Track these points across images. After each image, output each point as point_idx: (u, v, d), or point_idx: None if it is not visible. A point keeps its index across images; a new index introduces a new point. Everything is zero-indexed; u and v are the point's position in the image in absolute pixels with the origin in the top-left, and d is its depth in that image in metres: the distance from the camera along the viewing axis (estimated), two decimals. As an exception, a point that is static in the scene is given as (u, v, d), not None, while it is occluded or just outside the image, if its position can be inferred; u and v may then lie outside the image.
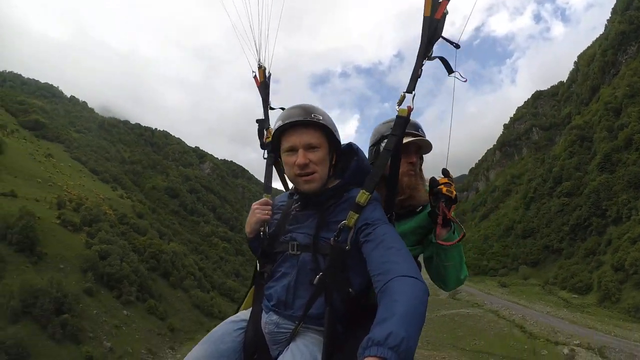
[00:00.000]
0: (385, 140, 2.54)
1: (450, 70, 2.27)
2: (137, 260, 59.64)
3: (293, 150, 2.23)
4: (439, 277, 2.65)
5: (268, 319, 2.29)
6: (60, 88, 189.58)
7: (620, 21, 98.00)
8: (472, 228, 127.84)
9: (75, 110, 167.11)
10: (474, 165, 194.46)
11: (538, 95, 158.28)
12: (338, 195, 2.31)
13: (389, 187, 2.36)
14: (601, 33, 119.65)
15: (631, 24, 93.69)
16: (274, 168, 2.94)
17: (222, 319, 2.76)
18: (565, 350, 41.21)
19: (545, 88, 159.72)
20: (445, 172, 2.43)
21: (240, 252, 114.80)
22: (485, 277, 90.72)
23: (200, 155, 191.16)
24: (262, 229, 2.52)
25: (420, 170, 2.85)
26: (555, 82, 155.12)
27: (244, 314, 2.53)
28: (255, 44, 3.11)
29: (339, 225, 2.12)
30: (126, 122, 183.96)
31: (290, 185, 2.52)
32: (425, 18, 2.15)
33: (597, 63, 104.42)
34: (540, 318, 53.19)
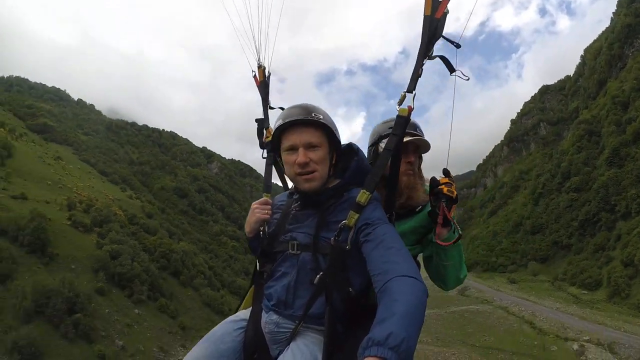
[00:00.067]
0: (384, 140, 2.67)
1: (451, 69, 2.26)
2: (147, 259, 59.96)
3: (293, 149, 2.23)
4: (438, 277, 2.66)
5: (268, 319, 2.29)
6: (67, 91, 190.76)
7: (626, 14, 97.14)
8: (480, 224, 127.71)
9: (83, 113, 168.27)
10: (481, 162, 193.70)
11: (545, 90, 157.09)
12: (338, 195, 2.31)
13: (389, 187, 2.37)
14: (607, 26, 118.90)
15: (637, 17, 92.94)
16: (273, 167, 2.95)
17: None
18: (575, 346, 41.16)
19: (552, 82, 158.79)
20: (445, 172, 2.40)
21: (249, 251, 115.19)
22: (494, 274, 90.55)
23: (207, 155, 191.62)
24: (261, 228, 2.53)
25: (419, 169, 2.86)
26: (562, 76, 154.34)
27: (244, 313, 2.53)
28: (255, 44, 3.12)
29: (339, 225, 2.12)
30: (134, 124, 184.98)
31: (290, 184, 2.53)
32: (425, 17, 2.16)
33: (604, 56, 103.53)
34: (550, 314, 53.08)
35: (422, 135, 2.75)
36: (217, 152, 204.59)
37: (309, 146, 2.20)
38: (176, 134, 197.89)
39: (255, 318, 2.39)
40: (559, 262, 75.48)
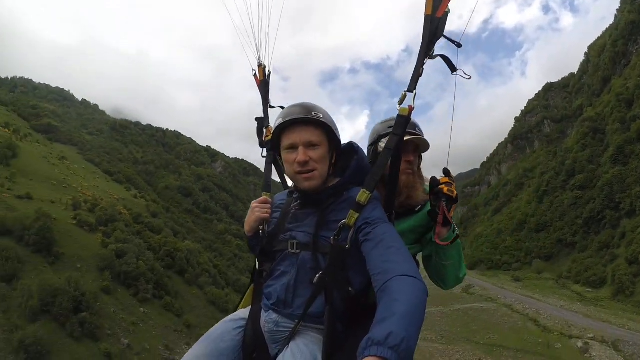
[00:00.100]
0: (383, 140, 2.72)
1: (453, 69, 2.27)
2: (152, 258, 60.07)
3: (293, 147, 2.24)
4: (438, 276, 2.67)
5: (267, 318, 2.29)
6: (71, 92, 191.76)
7: (630, 10, 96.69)
8: (484, 222, 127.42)
9: (87, 113, 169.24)
10: (485, 160, 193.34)
11: (549, 87, 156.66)
12: (338, 194, 2.32)
13: (389, 186, 2.39)
14: (611, 23, 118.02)
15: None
16: (273, 166, 2.96)
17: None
18: (579, 344, 41.16)
19: (556, 80, 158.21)
20: (446, 172, 2.40)
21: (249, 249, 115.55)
22: (498, 272, 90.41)
23: (212, 154, 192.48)
24: (261, 227, 2.53)
25: (419, 169, 2.86)
26: (566, 74, 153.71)
27: (243, 312, 2.53)
28: (255, 42, 3.12)
29: (339, 224, 2.12)
30: (137, 124, 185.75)
31: (290, 183, 2.54)
32: (426, 17, 2.16)
33: (608, 54, 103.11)
34: (554, 312, 53.04)
35: (421, 134, 2.75)
36: (221, 151, 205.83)
37: (309, 145, 2.21)
38: (180, 133, 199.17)
39: (254, 317, 2.40)
40: (564, 260, 75.29)
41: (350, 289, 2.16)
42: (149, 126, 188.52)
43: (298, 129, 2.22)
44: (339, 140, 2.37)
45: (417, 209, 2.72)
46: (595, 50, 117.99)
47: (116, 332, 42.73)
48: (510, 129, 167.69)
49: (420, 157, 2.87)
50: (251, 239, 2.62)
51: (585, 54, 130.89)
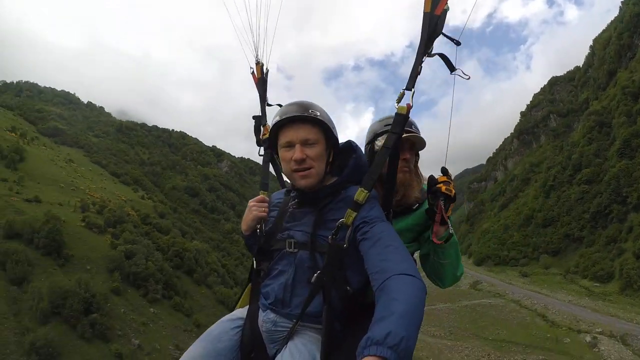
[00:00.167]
0: (380, 138, 2.75)
1: (452, 68, 2.25)
2: (161, 258, 60.35)
3: (290, 145, 2.24)
4: (435, 275, 2.66)
5: (265, 317, 2.28)
6: (76, 95, 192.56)
7: (635, 3, 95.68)
8: (491, 218, 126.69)
9: (93, 115, 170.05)
10: (491, 155, 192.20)
11: (554, 81, 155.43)
12: (336, 193, 2.31)
13: (387, 185, 2.37)
14: (616, 15, 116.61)
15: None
16: (270, 165, 2.94)
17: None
18: (588, 338, 41.24)
19: (562, 74, 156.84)
20: (444, 171, 2.41)
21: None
22: (506, 267, 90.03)
23: (217, 154, 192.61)
24: (258, 226, 2.52)
25: (416, 167, 2.85)
26: (572, 67, 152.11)
27: (241, 312, 2.52)
28: (253, 40, 3.11)
29: (336, 224, 2.11)
30: (143, 125, 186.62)
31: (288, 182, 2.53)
32: (425, 14, 2.14)
33: (613, 46, 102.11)
34: (562, 307, 53.01)
35: (417, 132, 2.74)
36: (227, 151, 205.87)
37: (306, 143, 2.22)
38: (186, 133, 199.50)
39: (252, 317, 2.40)
40: (571, 255, 74.90)
41: (348, 288, 2.16)
42: (155, 127, 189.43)
43: (295, 127, 2.23)
44: (337, 139, 2.38)
45: (414, 208, 2.72)
46: (601, 43, 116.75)
47: (127, 333, 43.05)
48: (515, 123, 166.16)
49: (418, 155, 2.88)
50: (248, 238, 2.62)
51: (591, 47, 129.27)
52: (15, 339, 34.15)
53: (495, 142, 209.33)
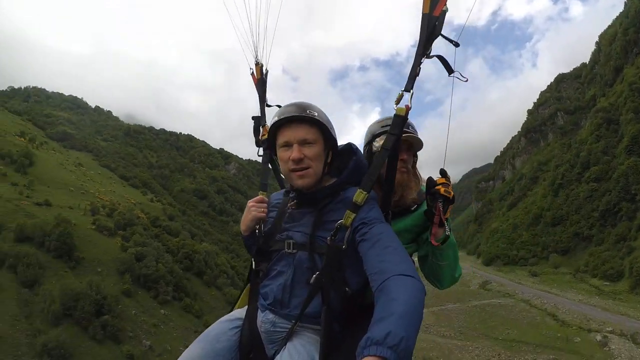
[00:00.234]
0: (377, 139, 2.75)
1: (450, 70, 2.21)
2: (171, 260, 60.67)
3: (288, 145, 2.24)
4: (433, 276, 2.66)
5: (264, 318, 2.26)
6: (84, 99, 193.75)
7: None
8: (500, 217, 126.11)
9: (101, 119, 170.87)
10: (499, 154, 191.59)
11: (561, 79, 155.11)
12: (335, 194, 2.30)
13: (385, 186, 2.35)
14: (621, 11, 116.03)
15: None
16: (270, 166, 2.94)
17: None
18: (598, 337, 41.03)
19: (568, 70, 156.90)
20: (442, 172, 2.40)
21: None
22: (515, 267, 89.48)
23: (225, 156, 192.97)
24: (257, 226, 2.50)
25: (414, 168, 2.83)
26: (578, 64, 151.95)
27: (239, 312, 2.51)
28: (252, 41, 3.10)
29: (335, 225, 2.09)
30: (151, 129, 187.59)
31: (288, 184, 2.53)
32: (423, 15, 2.12)
33: (619, 42, 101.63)
34: (572, 306, 52.73)
35: (415, 133, 2.72)
36: (234, 153, 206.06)
37: (304, 142, 2.21)
38: (193, 136, 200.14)
39: (251, 317, 2.39)
40: (580, 253, 74.42)
41: (347, 289, 2.14)
42: (163, 130, 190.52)
43: (293, 127, 2.23)
44: (335, 140, 2.36)
45: (412, 209, 2.71)
46: (606, 39, 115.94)
47: (138, 334, 43.43)
48: (523, 121, 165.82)
49: (416, 156, 2.86)
50: (247, 239, 2.60)
51: (596, 43, 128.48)
52: (27, 341, 34.52)
53: (502, 141, 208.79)
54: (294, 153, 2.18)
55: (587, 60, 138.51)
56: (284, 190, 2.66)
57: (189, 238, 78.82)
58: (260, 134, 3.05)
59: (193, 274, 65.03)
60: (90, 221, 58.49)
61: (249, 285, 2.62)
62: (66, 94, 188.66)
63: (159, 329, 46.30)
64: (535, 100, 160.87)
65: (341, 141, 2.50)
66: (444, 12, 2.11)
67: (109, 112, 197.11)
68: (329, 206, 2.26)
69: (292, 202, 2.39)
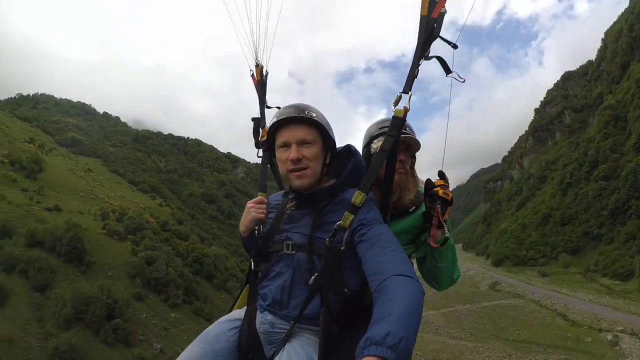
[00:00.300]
0: (375, 141, 2.75)
1: (447, 71, 2.23)
2: (181, 264, 60.81)
3: (286, 145, 2.25)
4: (432, 277, 2.66)
5: (263, 319, 2.27)
6: (92, 105, 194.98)
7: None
8: (509, 218, 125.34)
9: (109, 125, 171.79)
10: (507, 153, 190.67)
11: (567, 76, 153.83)
12: (333, 195, 2.31)
13: (384, 187, 2.36)
14: (626, 7, 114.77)
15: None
16: (269, 168, 2.98)
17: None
18: (609, 337, 40.86)
19: (574, 68, 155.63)
20: (441, 174, 2.40)
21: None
22: (524, 267, 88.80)
23: (233, 160, 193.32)
24: (256, 227, 2.51)
25: (412, 169, 2.84)
26: (584, 61, 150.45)
27: (238, 313, 2.51)
28: (252, 43, 3.12)
29: (334, 226, 2.10)
30: (159, 134, 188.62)
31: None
32: (422, 17, 2.15)
33: (625, 39, 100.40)
34: (583, 306, 52.48)
35: (412, 134, 2.72)
36: (242, 157, 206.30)
37: (302, 143, 2.23)
38: (201, 141, 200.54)
39: (250, 318, 2.40)
40: (590, 253, 73.77)
41: (345, 290, 2.15)
42: (170, 135, 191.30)
43: (291, 128, 2.25)
44: (333, 141, 2.37)
45: (411, 210, 2.72)
46: (612, 36, 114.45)
47: (148, 337, 43.62)
48: (530, 120, 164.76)
49: (414, 158, 2.87)
50: (246, 240, 2.62)
51: (602, 40, 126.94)
52: (39, 344, 34.59)
53: (510, 141, 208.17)
54: (292, 153, 2.20)
55: (593, 57, 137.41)
56: (283, 191, 2.69)
57: (199, 242, 78.95)
58: (260, 135, 3.09)
59: (203, 277, 65.20)
60: (100, 226, 58.83)
61: (247, 286, 2.65)
62: (74, 101, 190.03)
63: (169, 332, 46.44)
64: (542, 99, 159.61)
65: (348, 143, 2.56)
66: (443, 14, 2.13)
67: (117, 118, 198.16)
68: (328, 207, 2.28)
69: (291, 203, 2.42)
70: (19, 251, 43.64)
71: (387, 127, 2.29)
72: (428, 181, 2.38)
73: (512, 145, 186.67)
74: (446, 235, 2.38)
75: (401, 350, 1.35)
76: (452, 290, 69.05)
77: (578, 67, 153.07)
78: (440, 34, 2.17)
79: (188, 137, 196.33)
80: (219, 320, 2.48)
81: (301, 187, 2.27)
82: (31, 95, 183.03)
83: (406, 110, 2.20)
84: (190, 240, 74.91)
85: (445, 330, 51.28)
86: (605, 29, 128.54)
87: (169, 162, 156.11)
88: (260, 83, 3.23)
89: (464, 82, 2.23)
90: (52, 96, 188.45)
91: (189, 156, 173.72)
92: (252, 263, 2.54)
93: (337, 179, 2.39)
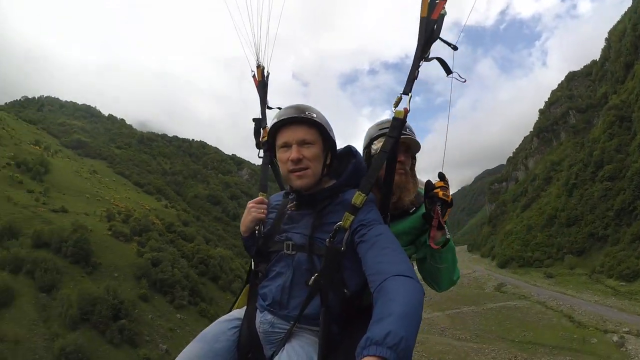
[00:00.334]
0: (375, 142, 2.76)
1: (448, 72, 2.25)
2: (187, 265, 60.84)
3: (287, 146, 2.26)
4: (432, 278, 2.67)
5: (263, 319, 2.28)
6: (97, 108, 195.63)
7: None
8: (514, 219, 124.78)
9: (114, 127, 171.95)
10: (511, 154, 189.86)
11: (572, 77, 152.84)
12: (334, 196, 2.32)
13: (384, 188, 2.37)
14: (630, 6, 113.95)
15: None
16: (270, 168, 2.98)
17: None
18: (615, 338, 40.71)
19: (578, 68, 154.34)
20: (441, 176, 2.40)
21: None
22: (530, 269, 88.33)
23: (237, 162, 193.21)
24: (257, 227, 2.52)
25: (412, 170, 2.84)
26: (588, 61, 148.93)
27: (238, 312, 2.52)
28: (253, 43, 3.13)
29: (334, 227, 2.11)
30: (164, 136, 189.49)
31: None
32: (422, 19, 2.16)
33: (629, 38, 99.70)
34: (589, 307, 52.33)
35: (412, 135, 2.72)
36: (247, 159, 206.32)
37: (303, 143, 2.24)
38: (206, 143, 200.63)
39: (249, 317, 2.40)
40: (596, 254, 73.38)
41: (345, 290, 2.15)
42: (175, 137, 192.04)
43: (292, 128, 2.26)
44: (334, 141, 2.38)
45: (411, 211, 2.73)
46: (616, 35, 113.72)
47: (154, 338, 43.72)
48: (534, 121, 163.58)
49: (414, 159, 2.87)
50: (247, 240, 2.62)
51: (606, 39, 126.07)
52: (45, 345, 34.79)
53: (514, 141, 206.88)
54: (293, 153, 2.22)
55: (597, 57, 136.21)
56: (283, 191, 2.70)
57: (204, 243, 79.09)
58: (261, 136, 3.09)
59: (208, 278, 65.19)
60: (106, 227, 59.04)
61: (247, 285, 2.66)
62: (79, 103, 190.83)
63: (175, 333, 46.53)
64: (547, 100, 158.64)
65: (349, 144, 2.60)
66: (443, 16, 2.15)
67: (122, 120, 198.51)
68: (328, 208, 2.30)
69: (292, 204, 2.43)
70: (26, 252, 43.83)
71: (387, 128, 2.32)
72: (428, 182, 2.39)
73: (516, 146, 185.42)
74: (448, 237, 2.40)
75: (401, 351, 1.36)
76: (457, 292, 69.05)
77: (582, 67, 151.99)
78: (441, 36, 2.19)
79: (193, 139, 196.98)
80: (218, 320, 2.51)
81: (301, 187, 2.29)
82: (36, 97, 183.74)
83: (406, 111, 2.23)
84: (195, 242, 75.00)
85: (451, 331, 51.22)
86: (608, 29, 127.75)
87: (174, 164, 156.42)
88: (262, 84, 3.25)
89: (465, 81, 2.25)
90: (58, 99, 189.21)
91: (194, 158, 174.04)
92: (253, 263, 2.56)
93: (338, 180, 2.41)
